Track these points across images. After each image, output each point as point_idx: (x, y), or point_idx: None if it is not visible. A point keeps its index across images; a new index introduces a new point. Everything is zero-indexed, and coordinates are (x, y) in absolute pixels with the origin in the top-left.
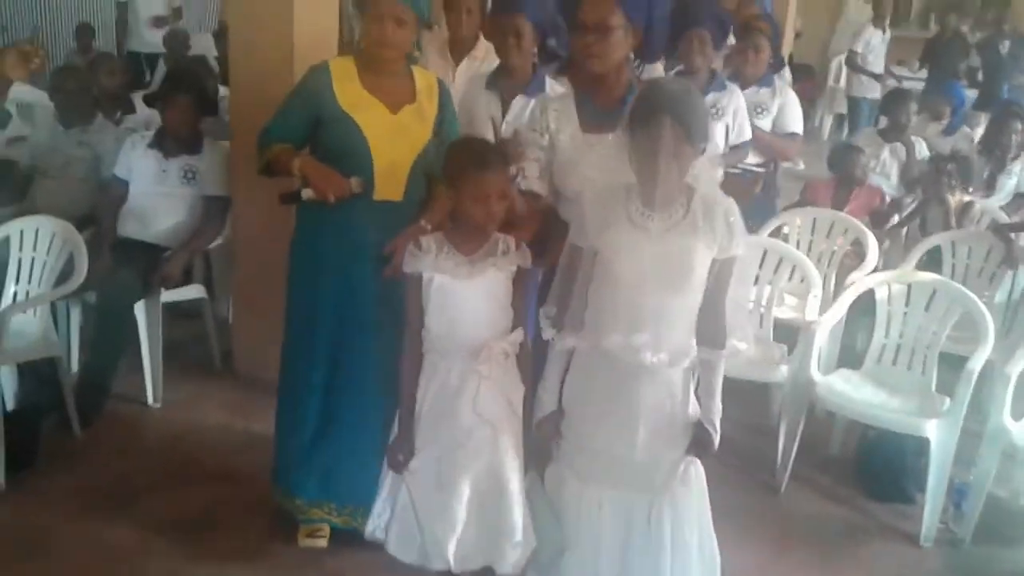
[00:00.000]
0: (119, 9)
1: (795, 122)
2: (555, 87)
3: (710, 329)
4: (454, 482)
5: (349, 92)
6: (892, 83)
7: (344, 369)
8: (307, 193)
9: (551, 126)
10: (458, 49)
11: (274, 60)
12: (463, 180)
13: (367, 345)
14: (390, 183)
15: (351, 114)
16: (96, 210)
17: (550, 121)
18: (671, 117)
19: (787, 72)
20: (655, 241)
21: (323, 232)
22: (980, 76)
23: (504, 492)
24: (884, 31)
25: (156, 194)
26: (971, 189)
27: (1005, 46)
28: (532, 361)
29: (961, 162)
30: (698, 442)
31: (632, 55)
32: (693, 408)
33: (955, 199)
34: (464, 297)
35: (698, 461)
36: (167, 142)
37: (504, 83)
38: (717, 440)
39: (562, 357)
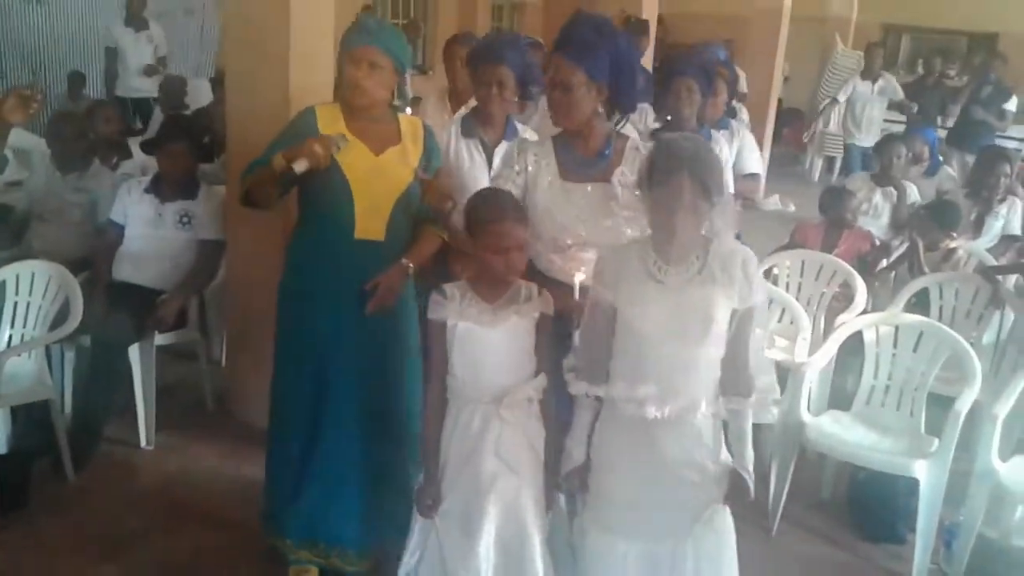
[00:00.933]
0: (108, 56)
1: (754, 163)
2: (531, 134)
3: (735, 378)
4: (478, 528)
5: (333, 133)
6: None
7: (329, 410)
8: (300, 165)
9: (529, 168)
10: (457, 98)
11: (270, 107)
12: (483, 232)
13: (351, 387)
14: (372, 223)
15: (333, 155)
16: (92, 254)
17: (528, 163)
18: (689, 175)
19: (744, 113)
20: (673, 294)
21: (307, 272)
22: (952, 121)
23: (527, 540)
24: (875, 81)
25: (151, 238)
26: (955, 234)
27: (987, 90)
28: (554, 407)
29: (947, 207)
30: (735, 490)
31: (605, 108)
32: (724, 455)
33: (942, 245)
34: (488, 343)
35: (726, 508)
36: (163, 187)
37: (484, 131)
38: (752, 487)
39: (589, 409)
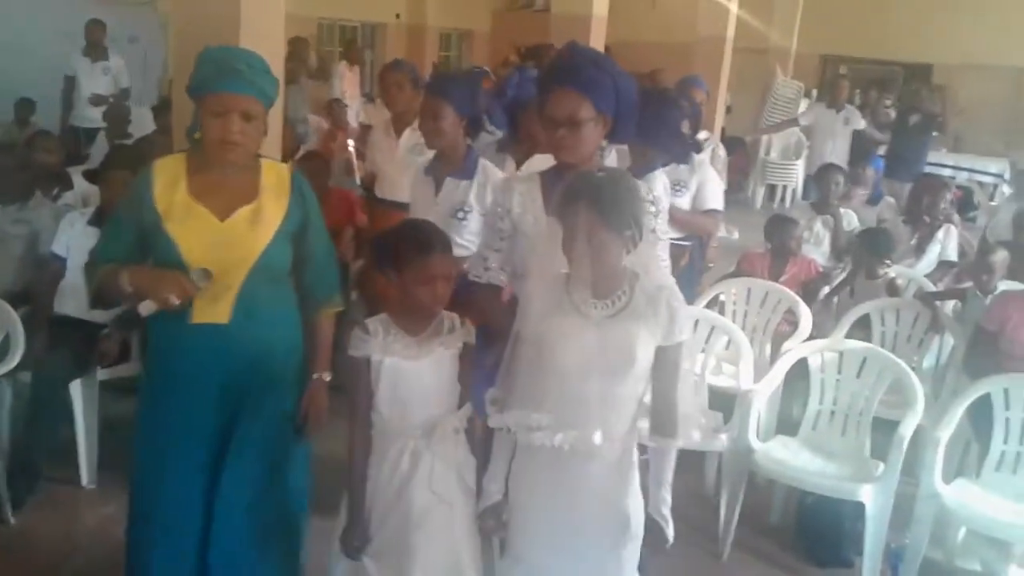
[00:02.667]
0: (66, 84)
1: (714, 199)
2: (491, 169)
3: (661, 417)
4: (411, 564)
5: (169, 198)
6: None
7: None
8: (146, 308)
9: (514, 209)
10: (399, 124)
11: None
12: (408, 263)
13: (193, 483)
14: (213, 303)
15: (165, 224)
16: (32, 287)
17: (514, 204)
18: (586, 204)
19: (721, 150)
20: (597, 329)
21: (151, 362)
22: (886, 149)
23: (462, 572)
24: (839, 111)
25: None
26: (889, 261)
27: (914, 119)
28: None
29: (880, 235)
30: (651, 537)
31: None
32: (637, 499)
33: (880, 272)
34: (414, 377)
35: (630, 559)
36: (106, 219)
37: (437, 165)
38: (671, 533)
39: (508, 445)
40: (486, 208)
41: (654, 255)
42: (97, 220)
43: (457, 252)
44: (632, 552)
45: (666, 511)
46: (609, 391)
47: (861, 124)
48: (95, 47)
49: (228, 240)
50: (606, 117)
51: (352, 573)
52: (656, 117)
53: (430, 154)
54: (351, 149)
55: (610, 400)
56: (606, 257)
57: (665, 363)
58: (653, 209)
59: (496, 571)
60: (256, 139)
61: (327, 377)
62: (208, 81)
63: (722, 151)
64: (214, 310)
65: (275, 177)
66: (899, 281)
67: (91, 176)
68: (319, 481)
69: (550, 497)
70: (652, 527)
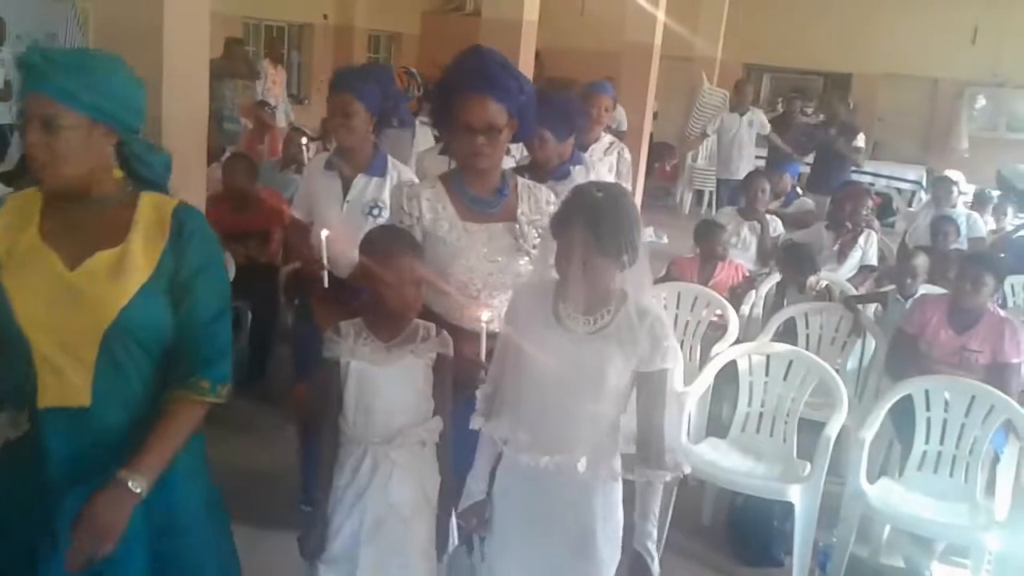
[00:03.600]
0: None
1: None
2: (401, 166)
3: (648, 447)
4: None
5: (13, 239)
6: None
7: None
8: None
9: (424, 215)
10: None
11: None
12: (377, 267)
13: None
14: (66, 380)
15: (2, 274)
16: None
17: (423, 210)
18: (583, 226)
19: (627, 152)
20: (575, 344)
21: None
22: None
23: None
24: (743, 115)
25: None
26: (819, 273)
27: (833, 131)
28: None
29: (799, 251)
30: (636, 572)
31: None
32: (614, 524)
33: (810, 282)
34: (381, 383)
35: None
36: None
37: (343, 163)
38: (656, 568)
39: (490, 445)
40: None
41: (648, 277)
42: None
43: None
44: (605, 570)
45: (651, 545)
46: (583, 408)
47: (766, 128)
48: None
49: (77, 295)
50: (513, 123)
51: (311, 573)
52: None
53: None
54: (303, 144)
55: (586, 418)
56: (599, 279)
57: (647, 390)
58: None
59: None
60: (72, 159)
61: (135, 487)
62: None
63: (627, 154)
64: (69, 390)
65: (153, 213)
66: (830, 286)
67: (7, 178)
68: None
69: (528, 509)
70: (635, 561)
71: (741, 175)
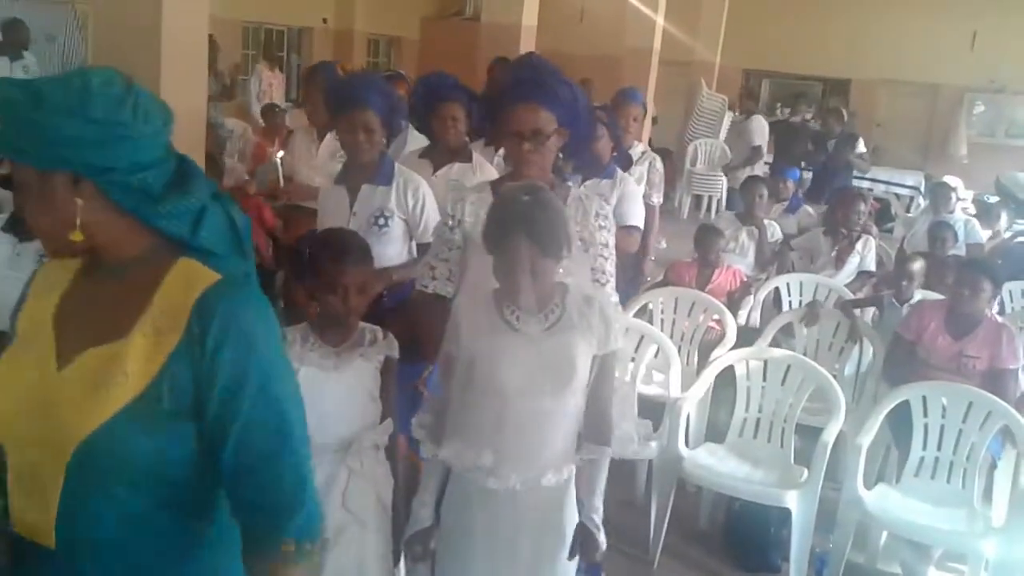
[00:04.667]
0: None
1: (633, 215)
2: (408, 172)
3: (596, 426)
4: None
5: (32, 313)
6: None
7: None
8: None
9: (466, 219)
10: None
11: None
12: (320, 270)
13: None
14: (33, 511)
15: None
16: None
17: (466, 214)
18: (524, 236)
19: (658, 162)
20: (532, 344)
21: None
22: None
23: None
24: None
25: (9, 279)
26: (810, 267)
27: (832, 144)
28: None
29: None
30: (584, 546)
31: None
32: (574, 511)
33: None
34: (331, 389)
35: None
36: (21, 225)
37: (352, 175)
38: (602, 539)
39: (439, 468)
40: (407, 213)
41: (583, 264)
42: (11, 227)
43: (382, 263)
44: (571, 564)
45: (598, 519)
46: (551, 408)
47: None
48: (12, 46)
49: (53, 403)
50: (563, 132)
51: None
52: None
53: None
54: (277, 158)
55: (553, 418)
56: (546, 279)
57: (600, 371)
58: (606, 224)
59: None
60: (43, 221)
61: None
62: None
63: (659, 163)
64: (32, 522)
65: (177, 296)
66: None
67: (4, 183)
68: None
69: (489, 521)
70: (585, 535)
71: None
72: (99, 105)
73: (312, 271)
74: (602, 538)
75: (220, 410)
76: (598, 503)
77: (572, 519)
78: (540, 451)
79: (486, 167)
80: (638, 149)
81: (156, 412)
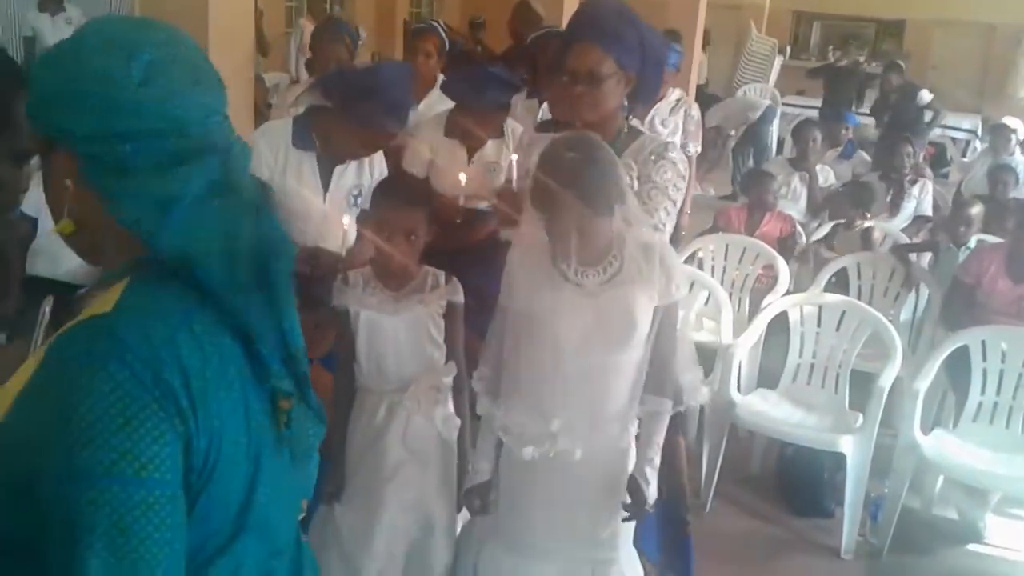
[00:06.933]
0: (27, 46)
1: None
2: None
3: (658, 377)
4: (379, 515)
5: None
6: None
7: None
8: None
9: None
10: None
11: None
12: (375, 215)
13: None
14: None
15: None
16: (2, 249)
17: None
18: (571, 196)
19: (695, 109)
20: (592, 298)
21: None
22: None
23: (431, 529)
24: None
25: None
26: (869, 214)
27: (894, 81)
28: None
29: (861, 187)
30: (633, 499)
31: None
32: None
33: (856, 224)
34: (390, 332)
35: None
36: None
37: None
38: (651, 493)
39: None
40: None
41: (637, 211)
42: None
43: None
44: (630, 525)
45: (651, 472)
46: (610, 364)
47: None
48: (50, 1)
49: None
50: (629, 75)
51: (324, 517)
52: None
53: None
54: None
55: (612, 374)
56: (599, 236)
57: (662, 322)
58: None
59: (481, 555)
60: (50, 209)
61: None
62: None
63: (695, 111)
64: None
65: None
66: (875, 234)
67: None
68: None
69: (546, 480)
70: (633, 488)
71: None
72: (80, 55)
73: (372, 216)
74: (651, 491)
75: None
76: (653, 455)
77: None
78: (598, 409)
79: (519, 135)
80: (672, 97)
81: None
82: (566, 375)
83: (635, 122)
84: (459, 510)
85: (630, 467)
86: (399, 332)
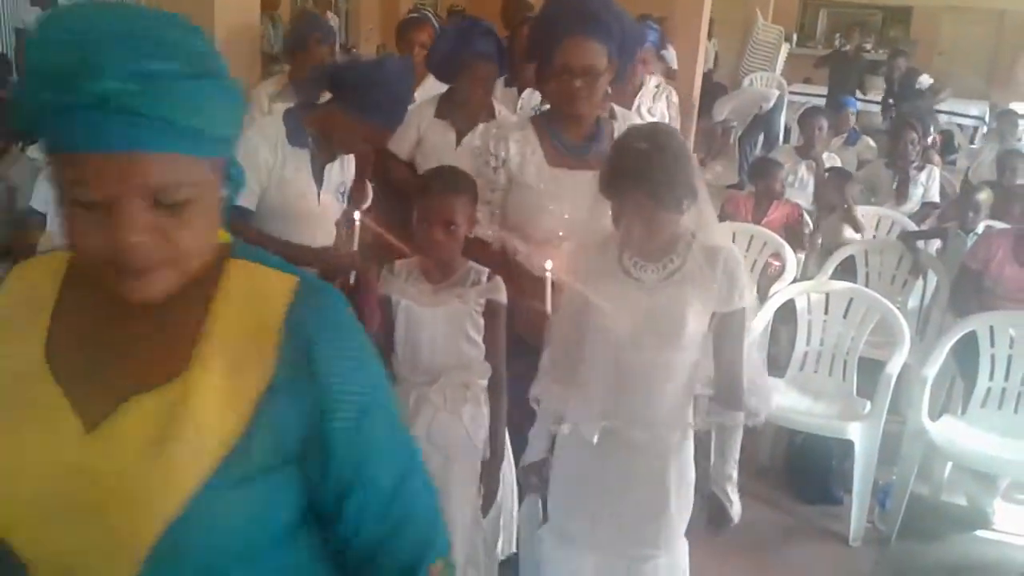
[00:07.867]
0: (19, 38)
1: None
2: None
3: (725, 388)
4: None
5: (4, 355)
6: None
7: None
8: None
9: (511, 158)
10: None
11: None
12: (416, 203)
13: None
14: None
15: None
16: (12, 244)
17: (511, 153)
18: (638, 187)
19: (673, 95)
20: (647, 294)
21: None
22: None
23: (452, 523)
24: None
25: None
26: (872, 200)
27: (901, 67)
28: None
29: (839, 173)
30: (714, 516)
31: None
32: (687, 470)
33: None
34: (427, 324)
35: (684, 540)
36: None
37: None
38: (735, 511)
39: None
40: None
41: (711, 212)
42: None
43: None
44: (677, 521)
45: (731, 489)
46: (660, 361)
47: None
48: None
49: (94, 481)
50: (614, 62)
51: None
52: None
53: None
54: None
55: (662, 372)
56: (664, 230)
57: (726, 331)
58: None
59: (535, 540)
60: (200, 244)
61: None
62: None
63: (675, 97)
64: None
65: (244, 309)
66: (857, 215)
67: None
68: None
69: (597, 468)
70: (715, 506)
71: None
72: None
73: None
74: (736, 510)
75: (342, 445)
76: (731, 471)
77: (683, 478)
78: (648, 406)
79: (509, 120)
80: (651, 83)
81: (248, 470)
82: (619, 368)
83: (617, 108)
84: (485, 514)
85: (676, 472)
86: (436, 325)
